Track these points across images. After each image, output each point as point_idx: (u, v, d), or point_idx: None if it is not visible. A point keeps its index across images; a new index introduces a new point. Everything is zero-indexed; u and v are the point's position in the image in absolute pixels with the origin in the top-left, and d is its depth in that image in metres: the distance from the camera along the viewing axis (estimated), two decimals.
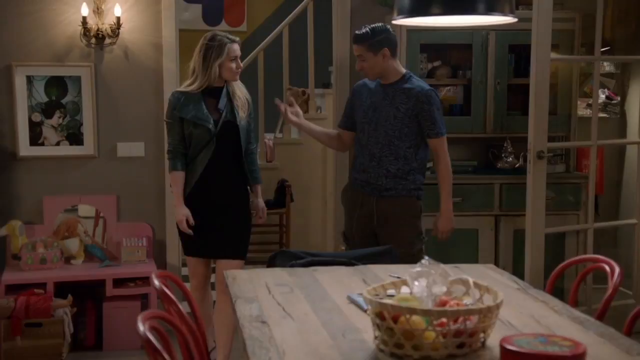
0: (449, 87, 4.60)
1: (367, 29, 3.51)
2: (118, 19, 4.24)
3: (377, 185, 3.59)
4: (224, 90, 3.52)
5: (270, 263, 2.90)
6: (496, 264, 4.39)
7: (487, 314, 1.83)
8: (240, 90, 3.57)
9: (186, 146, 3.49)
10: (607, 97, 4.79)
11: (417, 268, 1.94)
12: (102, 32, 4.24)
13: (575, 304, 2.44)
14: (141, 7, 4.37)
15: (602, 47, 4.60)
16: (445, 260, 2.93)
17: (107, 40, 4.28)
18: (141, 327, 1.85)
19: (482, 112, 4.48)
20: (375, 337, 1.88)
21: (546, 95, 3.96)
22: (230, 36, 3.50)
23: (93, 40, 4.25)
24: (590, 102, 4.55)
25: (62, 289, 4.04)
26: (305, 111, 5.98)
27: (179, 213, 3.49)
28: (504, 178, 4.41)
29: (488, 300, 1.94)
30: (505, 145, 4.51)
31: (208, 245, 3.55)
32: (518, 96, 4.49)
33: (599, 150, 4.79)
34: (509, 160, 4.49)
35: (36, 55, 4.26)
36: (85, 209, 4.42)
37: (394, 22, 2.20)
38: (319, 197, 5.95)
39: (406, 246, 3.52)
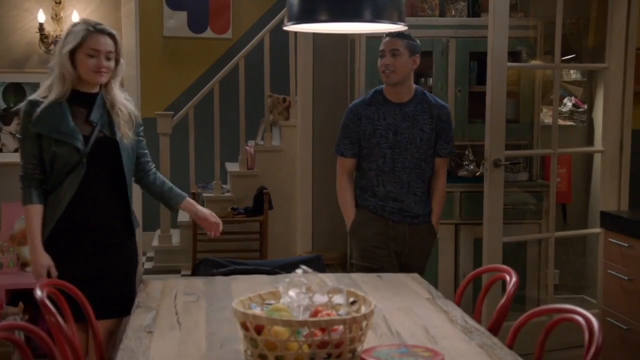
0: None
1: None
2: None
3: (410, 212, 3.38)
4: (99, 98, 2.70)
5: (194, 271, 2.90)
6: (456, 272, 4.36)
7: (353, 324, 1.81)
8: (121, 101, 2.73)
9: (45, 171, 2.64)
10: (573, 105, 4.73)
11: (288, 279, 1.92)
12: (60, 39, 4.27)
13: (479, 314, 2.40)
14: (101, 14, 4.39)
15: (568, 55, 4.56)
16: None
17: None
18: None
19: None
20: (246, 349, 1.87)
21: (503, 103, 3.92)
22: (101, 26, 2.70)
23: (52, 47, 4.28)
24: None
25: (16, 296, 4.06)
26: (286, 118, 5.99)
27: (37, 263, 2.60)
28: (465, 186, 4.36)
29: (365, 311, 1.92)
30: (466, 153, 4.47)
31: (79, 305, 2.44)
32: (480, 104, 4.44)
33: (566, 159, 4.73)
34: (469, 168, 4.45)
35: None
36: None
37: (284, 28, 2.19)
38: (300, 204, 5.94)
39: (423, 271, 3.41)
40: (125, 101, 2.75)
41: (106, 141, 2.66)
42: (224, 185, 6.32)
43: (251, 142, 6.34)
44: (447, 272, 4.35)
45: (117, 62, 2.70)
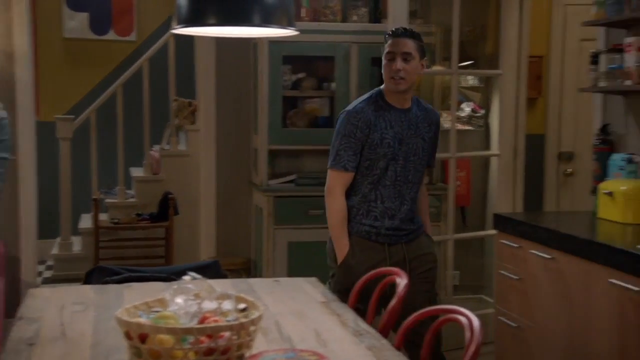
0: (314, 99, 4.61)
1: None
2: None
3: (405, 230, 3.00)
4: None
5: (87, 279, 2.81)
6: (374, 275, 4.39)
7: (241, 330, 1.79)
8: None
9: None
10: (472, 110, 4.87)
11: (175, 285, 1.88)
12: None
13: (372, 317, 2.43)
14: None
15: (467, 61, 4.70)
16: (309, 273, 2.96)
17: None
18: None
19: None
20: (130, 359, 1.82)
21: None
22: None
23: None
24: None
25: None
26: (192, 122, 5.92)
27: None
28: None
29: (253, 316, 1.91)
30: None
31: None
32: None
33: (465, 163, 4.86)
34: None
35: None
36: None
37: (173, 31, 2.16)
38: (203, 209, 5.87)
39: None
40: None
41: None
42: (128, 191, 6.18)
43: (157, 147, 6.24)
44: None
45: None
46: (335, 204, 2.99)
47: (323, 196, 4.41)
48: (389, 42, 2.94)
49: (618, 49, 3.35)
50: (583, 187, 4.44)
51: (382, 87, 3.02)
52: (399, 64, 2.88)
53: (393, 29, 2.98)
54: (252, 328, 1.83)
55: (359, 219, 2.98)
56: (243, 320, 1.81)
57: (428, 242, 3.11)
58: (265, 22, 2.03)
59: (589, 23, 3.56)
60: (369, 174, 2.95)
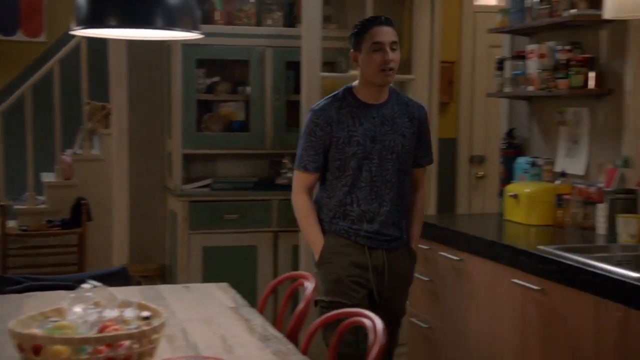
0: (229, 103, 4.57)
1: None
2: None
3: (388, 235, 2.78)
4: None
5: None
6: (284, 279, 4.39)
7: (143, 338, 1.76)
8: None
9: None
10: None
11: (73, 294, 1.83)
12: None
13: (281, 321, 2.42)
14: None
15: None
16: (225, 278, 2.91)
17: None
18: None
19: (262, 128, 4.49)
20: None
21: None
22: None
23: None
24: None
25: None
26: (106, 126, 5.78)
27: None
28: (282, 194, 4.39)
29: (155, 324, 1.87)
30: (284, 161, 4.53)
31: None
32: (298, 112, 4.53)
33: None
34: (287, 176, 4.51)
35: None
36: None
37: (71, 32, 2.10)
38: (116, 214, 5.74)
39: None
40: None
41: None
42: (38, 197, 5.98)
43: (69, 152, 6.06)
44: (265, 280, 4.37)
45: None
46: (298, 202, 2.80)
47: (239, 200, 4.43)
48: (372, 31, 2.69)
49: (521, 56, 3.46)
50: (493, 190, 4.56)
51: (353, 84, 2.83)
52: (389, 54, 2.67)
53: (371, 18, 2.77)
54: (154, 336, 1.79)
55: (335, 221, 2.77)
56: (145, 328, 1.77)
57: (408, 258, 2.85)
58: (168, 25, 2.00)
59: (495, 30, 3.67)
60: (341, 175, 2.75)
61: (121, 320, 1.88)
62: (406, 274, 2.85)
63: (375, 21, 2.71)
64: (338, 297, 2.69)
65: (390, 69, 2.69)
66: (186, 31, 2.06)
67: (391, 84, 2.84)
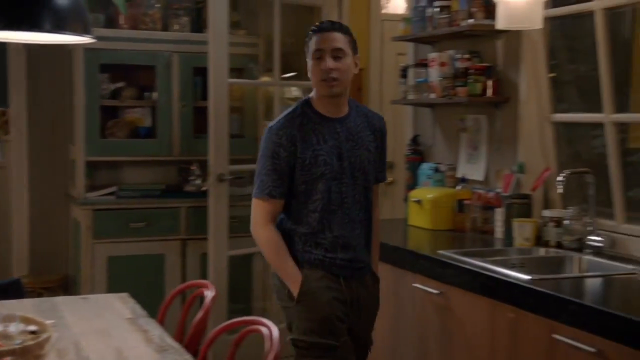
0: (135, 109, 4.48)
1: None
2: None
3: (362, 262, 2.51)
4: None
5: None
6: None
7: (27, 354, 1.69)
8: None
9: None
10: None
11: None
12: None
13: (181, 331, 2.38)
14: None
15: (289, 73, 4.76)
16: (131, 288, 2.82)
17: None
18: None
19: (169, 135, 4.42)
20: None
21: (225, 118, 3.98)
22: None
23: None
24: None
25: None
26: (7, 132, 5.55)
27: None
28: (191, 201, 4.36)
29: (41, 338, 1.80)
30: (192, 168, 4.47)
31: None
32: (205, 119, 4.47)
33: None
34: (195, 183, 4.46)
35: None
36: None
37: None
38: (15, 224, 5.54)
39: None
40: None
41: None
42: None
43: None
44: (173, 289, 4.29)
45: None
46: (266, 235, 2.44)
47: (145, 208, 4.34)
48: (314, 39, 2.41)
49: (424, 64, 3.53)
50: (402, 196, 4.64)
51: (310, 95, 2.51)
52: (330, 62, 2.36)
53: (318, 23, 2.48)
54: (41, 352, 1.73)
55: (308, 249, 2.45)
56: (29, 343, 1.71)
57: (374, 283, 2.59)
58: (57, 29, 1.93)
59: (398, 38, 3.74)
60: (308, 200, 2.42)
61: (4, 336, 1.81)
62: (375, 303, 2.59)
63: (319, 27, 2.44)
64: (324, 338, 2.39)
65: (334, 79, 2.37)
66: (76, 35, 1.99)
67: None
